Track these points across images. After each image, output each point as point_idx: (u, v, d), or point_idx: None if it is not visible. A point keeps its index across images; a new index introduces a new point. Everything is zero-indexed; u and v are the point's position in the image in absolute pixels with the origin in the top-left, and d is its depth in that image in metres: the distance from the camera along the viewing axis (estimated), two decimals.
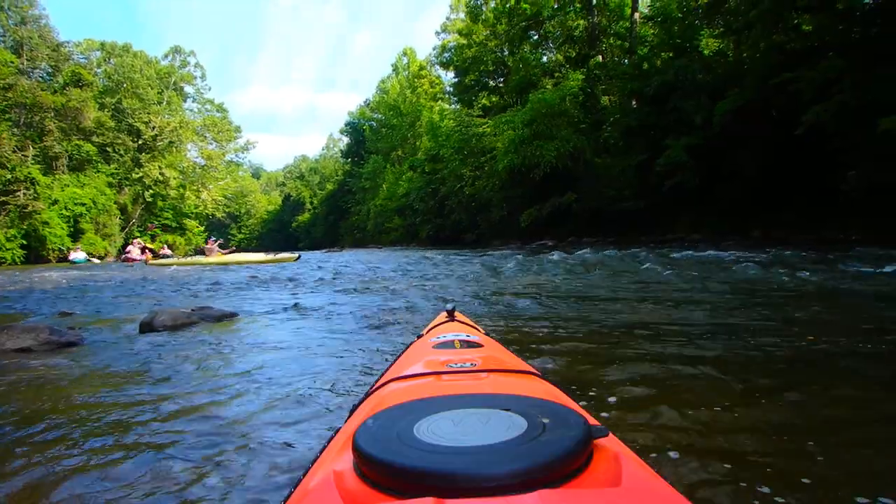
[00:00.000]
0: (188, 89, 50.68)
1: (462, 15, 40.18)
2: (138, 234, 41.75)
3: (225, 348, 3.21)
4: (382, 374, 1.23)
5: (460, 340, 1.37)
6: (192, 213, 49.36)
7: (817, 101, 12.78)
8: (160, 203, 44.94)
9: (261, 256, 15.93)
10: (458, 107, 37.82)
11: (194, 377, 2.54)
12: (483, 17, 34.55)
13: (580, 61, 28.04)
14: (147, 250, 26.46)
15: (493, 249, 19.95)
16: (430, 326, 1.82)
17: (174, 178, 44.49)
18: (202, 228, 53.00)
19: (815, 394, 1.99)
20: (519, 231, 24.68)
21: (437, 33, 45.50)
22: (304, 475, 0.73)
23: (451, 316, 1.82)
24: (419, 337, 1.62)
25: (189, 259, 17.09)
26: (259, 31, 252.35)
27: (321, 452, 0.81)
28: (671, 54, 20.35)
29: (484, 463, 0.56)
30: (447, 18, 44.80)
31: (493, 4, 33.83)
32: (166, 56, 49.36)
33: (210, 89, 53.47)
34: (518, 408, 0.72)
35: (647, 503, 0.55)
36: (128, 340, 3.51)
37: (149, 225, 41.10)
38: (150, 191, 42.96)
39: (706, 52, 20.23)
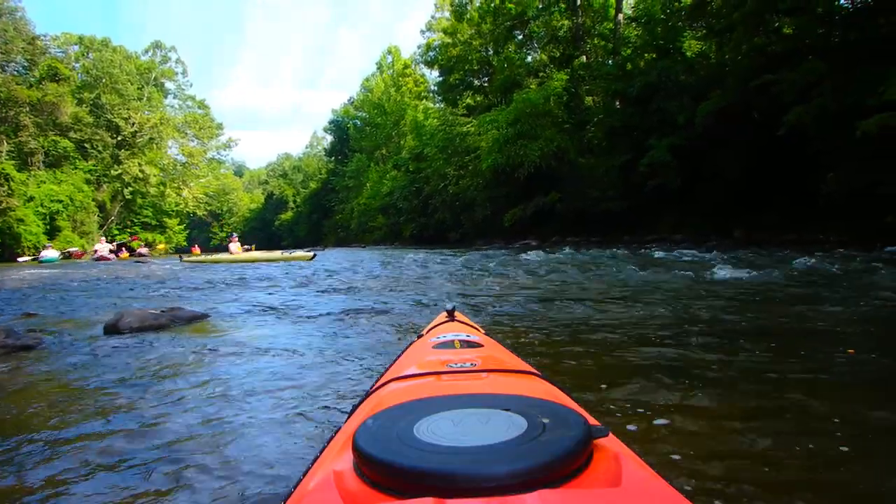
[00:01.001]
0: (169, 85, 50.02)
1: (447, 14, 40.07)
2: (116, 232, 41.14)
3: (193, 352, 3.07)
4: (382, 374, 1.22)
5: (460, 340, 1.36)
6: (173, 210, 48.65)
7: (798, 103, 12.88)
8: (140, 200, 44.26)
9: (276, 254, 15.61)
10: (442, 106, 37.69)
11: (157, 383, 2.40)
12: (468, 16, 34.47)
13: (564, 61, 28.08)
14: (124, 248, 25.86)
15: (476, 249, 19.87)
16: (430, 326, 1.82)
17: (154, 176, 43.84)
18: (183, 227, 52.34)
19: (813, 394, 1.96)
20: (503, 230, 24.67)
21: (422, 32, 45.38)
22: (304, 475, 0.72)
23: (450, 316, 1.81)
24: (419, 337, 1.61)
25: (218, 256, 16.45)
26: (243, 29, 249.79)
27: (321, 452, 0.80)
28: (654, 55, 20.45)
29: (484, 463, 0.56)
30: (432, 17, 44.69)
31: (477, 3, 33.77)
32: (147, 51, 48.62)
33: (191, 85, 52.99)
34: (518, 408, 0.71)
35: (647, 503, 0.55)
36: (89, 343, 3.34)
37: (128, 222, 40.41)
38: (130, 188, 42.27)
39: (689, 53, 20.35)
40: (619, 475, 0.59)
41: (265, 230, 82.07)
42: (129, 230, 42.98)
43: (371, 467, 0.59)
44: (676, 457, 1.46)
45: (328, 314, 4.39)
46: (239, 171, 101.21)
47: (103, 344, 3.29)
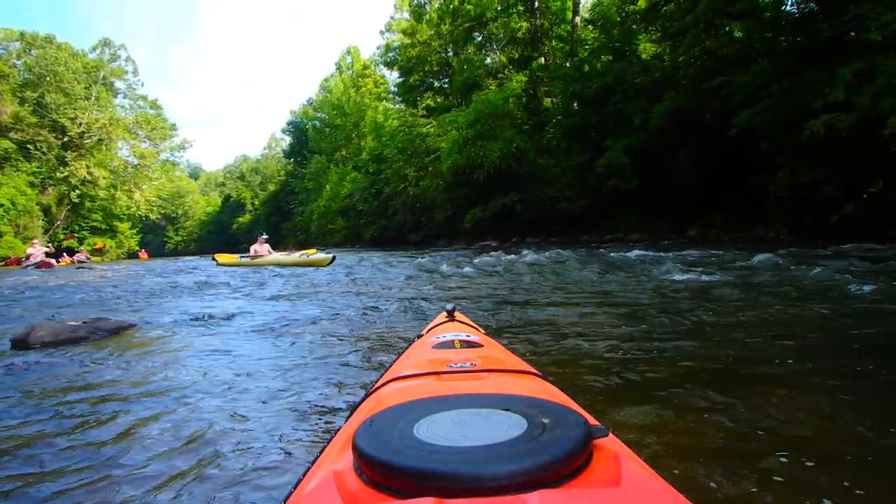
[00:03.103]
0: (119, 84, 47.97)
1: (406, 14, 39.82)
2: (62, 237, 39.48)
3: (112, 368, 2.78)
4: (382, 374, 1.21)
5: (460, 340, 1.37)
6: (124, 214, 46.84)
7: (748, 105, 13.18)
8: (88, 204, 42.43)
9: (294, 257, 13.12)
10: (402, 107, 37.46)
11: (62, 406, 2.14)
12: (427, 16, 34.36)
13: (523, 63, 28.28)
14: (65, 253, 24.44)
15: (437, 250, 19.69)
16: (430, 326, 1.82)
17: (104, 178, 42.13)
18: (135, 230, 50.59)
19: (808, 392, 1.99)
20: (463, 231, 24.62)
21: (382, 32, 44.96)
22: (304, 475, 0.72)
23: (450, 316, 1.81)
24: (419, 337, 1.62)
25: (243, 259, 13.86)
26: (198, 28, 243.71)
27: (321, 452, 0.80)
28: (611, 57, 20.74)
29: (484, 463, 0.56)
30: (391, 18, 44.29)
31: (437, 4, 33.70)
32: (94, 49, 46.65)
33: (143, 85, 51.17)
34: (518, 408, 0.72)
35: (647, 503, 0.56)
36: None
37: (76, 226, 38.52)
38: (77, 191, 40.50)
39: (644, 56, 20.70)
40: (619, 475, 0.59)
41: (223, 233, 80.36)
42: (68, 230, 41.08)
43: (371, 467, 0.59)
44: (676, 457, 1.45)
45: (279, 323, 4.07)
46: (195, 174, 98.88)
47: (8, 361, 2.97)
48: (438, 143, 26.68)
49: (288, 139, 66.75)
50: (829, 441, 1.54)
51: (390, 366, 1.31)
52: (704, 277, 5.81)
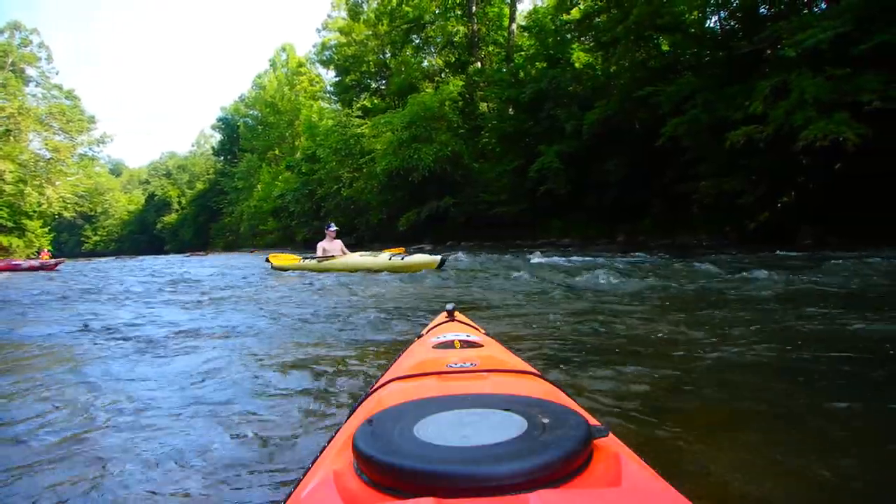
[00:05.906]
0: (31, 72, 44.68)
1: (343, 13, 39.19)
2: None
3: None
4: (382, 374, 1.20)
5: (460, 340, 1.36)
6: (34, 211, 43.47)
7: (675, 115, 13.60)
8: None
9: (382, 259, 9.17)
10: (338, 107, 36.79)
11: None
12: (364, 16, 33.94)
13: (460, 67, 28.35)
14: None
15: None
16: (430, 326, 1.80)
17: (10, 172, 39.00)
18: (47, 229, 47.14)
19: (805, 393, 1.99)
20: (397, 235, 24.30)
21: (318, 30, 44.14)
22: (304, 475, 0.72)
23: (451, 316, 1.80)
24: (419, 337, 1.61)
25: (306, 263, 10.08)
26: (126, 16, 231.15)
27: (321, 452, 0.80)
28: (545, 64, 21.01)
29: (484, 463, 0.56)
30: (328, 16, 43.57)
31: (374, 4, 33.35)
32: (2, 32, 43.33)
33: (58, 73, 47.65)
34: (518, 408, 0.72)
35: (647, 503, 0.56)
36: None
37: None
38: None
39: (577, 64, 21.12)
40: (619, 475, 0.59)
41: (146, 233, 76.65)
42: None
43: (371, 467, 0.59)
44: (676, 457, 1.45)
45: (160, 337, 3.53)
46: (116, 170, 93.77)
47: None
48: (373, 144, 26.29)
49: (218, 136, 64.29)
50: (823, 439, 1.56)
51: (390, 366, 1.30)
52: (672, 284, 5.82)
